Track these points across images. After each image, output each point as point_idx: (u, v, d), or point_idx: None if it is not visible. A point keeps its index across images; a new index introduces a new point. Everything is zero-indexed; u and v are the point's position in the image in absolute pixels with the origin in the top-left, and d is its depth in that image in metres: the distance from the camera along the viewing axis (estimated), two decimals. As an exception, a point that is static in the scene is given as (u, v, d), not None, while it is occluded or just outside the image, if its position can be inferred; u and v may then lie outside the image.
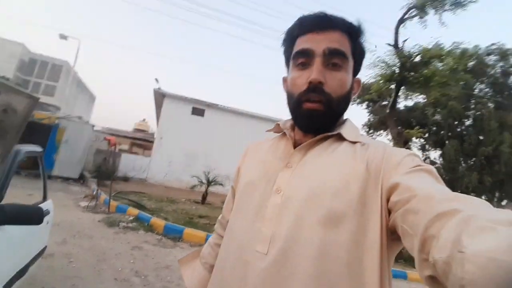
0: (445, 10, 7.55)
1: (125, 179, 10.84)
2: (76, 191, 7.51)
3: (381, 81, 8.24)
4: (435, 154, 9.35)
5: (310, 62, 0.58)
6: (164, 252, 3.84)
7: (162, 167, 12.12)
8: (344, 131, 0.60)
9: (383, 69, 8.16)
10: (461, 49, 7.69)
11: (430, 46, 7.62)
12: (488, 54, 7.51)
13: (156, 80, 12.55)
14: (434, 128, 7.44)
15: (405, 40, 7.91)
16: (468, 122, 7.68)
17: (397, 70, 7.89)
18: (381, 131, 11.03)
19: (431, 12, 7.73)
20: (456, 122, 7.58)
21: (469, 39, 9.00)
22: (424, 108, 8.09)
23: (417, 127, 7.95)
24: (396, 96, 8.21)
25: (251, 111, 13.60)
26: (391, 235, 0.47)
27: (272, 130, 0.73)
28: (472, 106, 7.51)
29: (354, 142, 0.58)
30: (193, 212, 6.38)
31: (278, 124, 0.69)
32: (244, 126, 12.79)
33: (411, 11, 7.90)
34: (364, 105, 10.03)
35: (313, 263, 0.46)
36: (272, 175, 0.59)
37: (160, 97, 12.82)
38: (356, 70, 0.64)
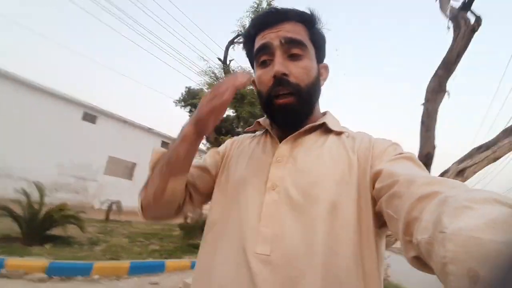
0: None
1: None
2: None
3: (208, 90, 9.27)
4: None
5: (271, 57, 0.58)
6: None
7: None
8: (328, 121, 0.60)
9: (212, 78, 9.31)
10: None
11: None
12: None
13: None
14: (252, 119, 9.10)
15: (231, 60, 9.40)
16: None
17: (222, 83, 9.15)
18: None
19: (254, 44, 9.47)
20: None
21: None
22: (233, 121, 10.06)
23: (229, 135, 9.56)
24: (219, 105, 9.46)
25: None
26: (378, 221, 0.48)
27: (251, 129, 0.71)
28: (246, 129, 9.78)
29: (339, 133, 0.60)
30: None
31: (258, 122, 0.68)
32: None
33: (240, 37, 9.47)
34: (188, 109, 11.03)
35: (321, 260, 0.44)
36: (263, 170, 0.56)
37: None
38: (320, 56, 0.64)
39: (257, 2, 8.92)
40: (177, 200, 0.60)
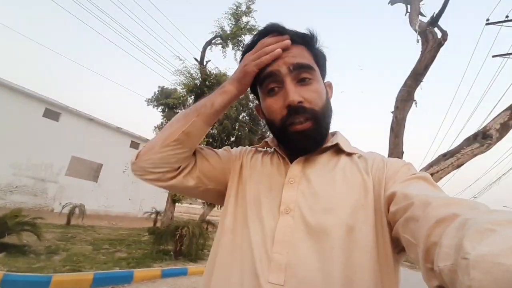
0: (239, 50, 9.44)
1: None
2: None
3: (184, 90, 9.11)
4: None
5: (280, 85, 0.55)
6: None
7: None
8: (341, 142, 0.59)
9: (187, 78, 9.07)
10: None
11: (227, 73, 9.26)
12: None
13: None
14: (210, 140, 8.99)
15: (208, 61, 9.22)
16: (232, 139, 9.87)
17: (198, 84, 8.98)
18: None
19: (230, 46, 9.44)
20: (226, 137, 9.51)
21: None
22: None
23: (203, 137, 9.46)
24: (194, 106, 9.29)
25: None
26: (396, 247, 0.46)
27: (259, 147, 0.69)
28: (237, 127, 9.77)
29: (351, 154, 0.58)
30: None
31: (266, 142, 0.67)
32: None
33: (217, 38, 9.37)
34: (160, 108, 10.71)
35: None
36: (277, 191, 0.55)
37: None
38: (324, 75, 0.63)
39: (237, 4, 8.89)
40: (182, 156, 0.59)
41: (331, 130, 0.63)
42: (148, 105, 11.29)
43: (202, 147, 0.66)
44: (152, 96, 11.43)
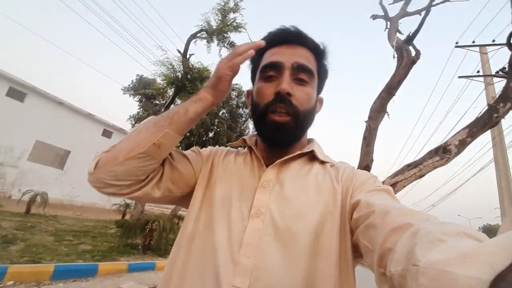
0: (224, 46, 9.38)
1: None
2: None
3: (164, 81, 8.89)
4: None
5: (278, 75, 0.58)
6: None
7: None
8: (316, 150, 0.61)
9: (169, 70, 8.86)
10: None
11: (209, 68, 9.16)
12: (232, 90, 10.26)
13: None
14: (188, 134, 8.86)
15: (192, 55, 9.05)
16: (211, 134, 9.84)
17: (180, 76, 8.80)
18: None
19: (215, 42, 9.34)
20: (204, 133, 9.46)
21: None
22: None
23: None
24: (174, 99, 9.12)
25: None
26: (355, 252, 0.48)
27: (235, 145, 0.69)
28: (216, 123, 9.76)
29: (324, 162, 0.60)
30: None
31: (244, 139, 0.67)
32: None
33: (202, 32, 9.24)
34: (137, 98, 10.38)
35: None
36: (248, 194, 0.55)
37: None
38: (320, 89, 0.65)
39: (224, 0, 8.81)
40: (150, 168, 0.53)
41: (308, 137, 0.65)
42: (124, 93, 10.85)
43: (171, 151, 0.60)
44: (129, 85, 11.02)
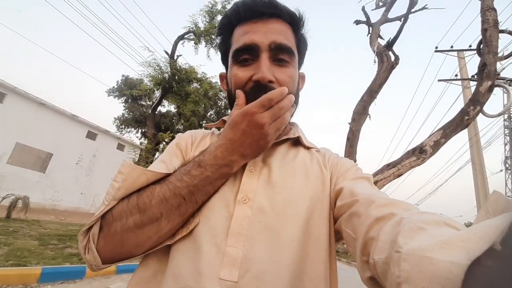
0: (212, 48, 9.42)
1: None
2: None
3: (151, 82, 8.82)
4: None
5: (254, 58, 0.51)
6: None
7: None
8: (301, 136, 0.60)
9: (156, 71, 8.80)
10: (210, 80, 9.90)
11: (197, 70, 9.17)
12: (220, 91, 10.30)
13: None
14: (175, 135, 8.84)
15: (179, 56, 9.05)
16: None
17: (167, 78, 8.77)
18: (132, 129, 11.46)
19: (203, 43, 9.37)
20: (192, 134, 9.47)
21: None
22: (173, 117, 9.79)
23: (168, 132, 9.18)
24: (161, 100, 9.07)
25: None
26: (335, 237, 0.49)
27: (213, 126, 0.64)
28: (203, 125, 9.77)
29: (309, 148, 0.59)
30: None
31: (224, 121, 0.58)
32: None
33: (190, 34, 9.25)
34: (123, 99, 10.25)
35: (291, 285, 0.41)
36: (233, 179, 0.50)
37: None
38: (301, 64, 0.60)
39: (212, 2, 8.87)
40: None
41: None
42: (109, 95, 10.65)
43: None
44: (114, 86, 10.80)
